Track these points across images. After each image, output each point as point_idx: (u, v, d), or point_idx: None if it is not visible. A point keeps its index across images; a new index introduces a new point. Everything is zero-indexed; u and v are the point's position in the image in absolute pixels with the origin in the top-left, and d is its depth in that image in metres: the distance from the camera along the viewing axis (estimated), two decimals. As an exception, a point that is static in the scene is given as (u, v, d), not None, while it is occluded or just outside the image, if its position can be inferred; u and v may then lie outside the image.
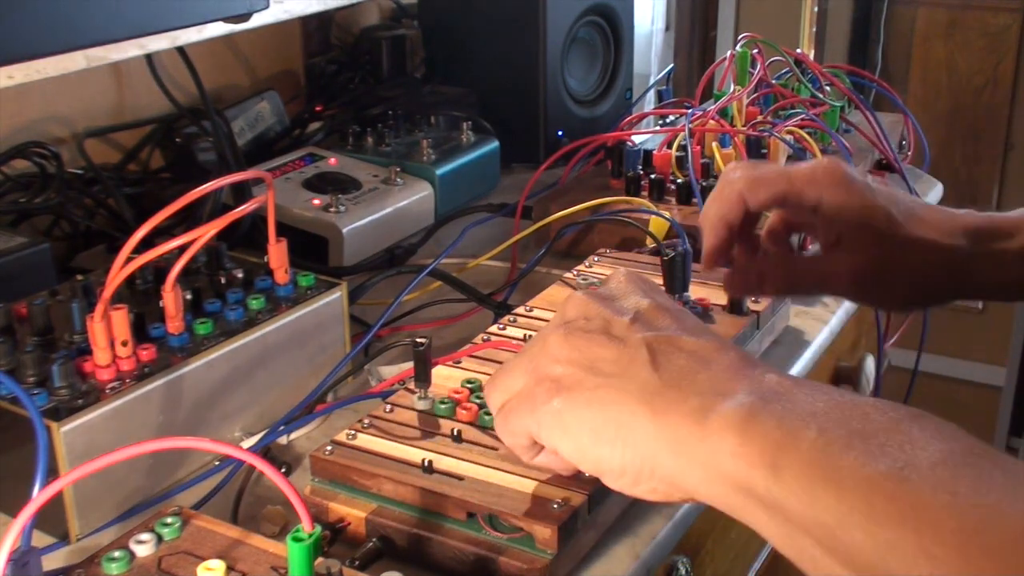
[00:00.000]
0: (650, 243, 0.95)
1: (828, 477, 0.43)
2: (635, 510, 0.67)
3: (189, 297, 0.75)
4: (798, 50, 1.43)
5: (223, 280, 0.79)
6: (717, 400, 0.48)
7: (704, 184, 1.04)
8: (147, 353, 0.69)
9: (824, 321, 0.93)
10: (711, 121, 1.10)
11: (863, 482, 0.42)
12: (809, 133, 1.10)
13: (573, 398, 0.52)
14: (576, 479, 0.60)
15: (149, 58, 1.13)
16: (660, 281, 0.83)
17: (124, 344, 0.67)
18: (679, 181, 1.06)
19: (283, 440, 0.75)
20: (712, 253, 0.71)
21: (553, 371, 0.53)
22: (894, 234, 0.69)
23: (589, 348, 0.53)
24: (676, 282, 0.82)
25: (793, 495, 0.44)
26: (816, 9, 1.78)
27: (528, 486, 0.60)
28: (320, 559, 0.52)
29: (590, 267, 0.90)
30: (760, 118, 1.14)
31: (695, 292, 0.83)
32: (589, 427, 0.51)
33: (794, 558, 0.45)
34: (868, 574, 0.42)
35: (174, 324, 0.71)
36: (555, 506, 0.59)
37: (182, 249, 0.66)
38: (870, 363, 1.16)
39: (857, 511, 0.42)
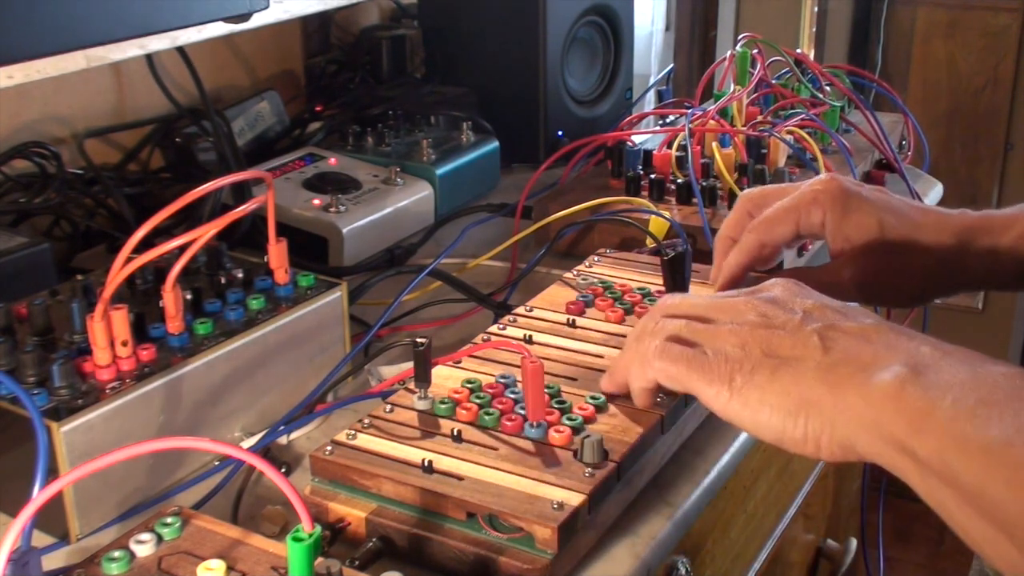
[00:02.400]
0: (650, 243, 0.95)
1: (957, 444, 0.50)
2: (635, 510, 0.67)
3: (189, 297, 0.75)
4: (798, 50, 1.43)
5: (223, 280, 0.79)
6: (877, 372, 0.55)
7: (704, 184, 1.04)
8: (147, 353, 0.69)
9: (824, 321, 0.93)
10: (711, 121, 1.10)
11: (981, 448, 0.50)
12: (809, 133, 1.10)
13: (754, 377, 0.58)
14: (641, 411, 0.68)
15: (149, 58, 1.14)
16: (660, 281, 0.84)
17: (124, 344, 0.67)
18: (679, 181, 1.06)
19: (283, 440, 0.75)
20: (729, 275, 0.81)
21: (734, 352, 0.60)
22: (891, 239, 0.77)
23: (767, 338, 0.60)
24: (676, 282, 0.82)
25: (933, 457, 0.51)
26: (816, 9, 1.78)
27: (528, 486, 0.61)
28: (320, 559, 0.52)
29: (590, 267, 0.90)
30: (760, 118, 1.14)
31: (695, 292, 0.83)
32: (772, 402, 0.58)
33: (935, 507, 0.52)
34: (1008, 529, 0.49)
35: (174, 324, 0.71)
36: (555, 506, 0.59)
37: (182, 249, 0.66)
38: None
39: (977, 473, 0.49)
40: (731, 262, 0.81)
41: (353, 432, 0.66)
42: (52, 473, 0.60)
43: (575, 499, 0.59)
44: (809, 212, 0.78)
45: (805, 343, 0.58)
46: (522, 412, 0.66)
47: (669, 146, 1.10)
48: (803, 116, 1.14)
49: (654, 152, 1.11)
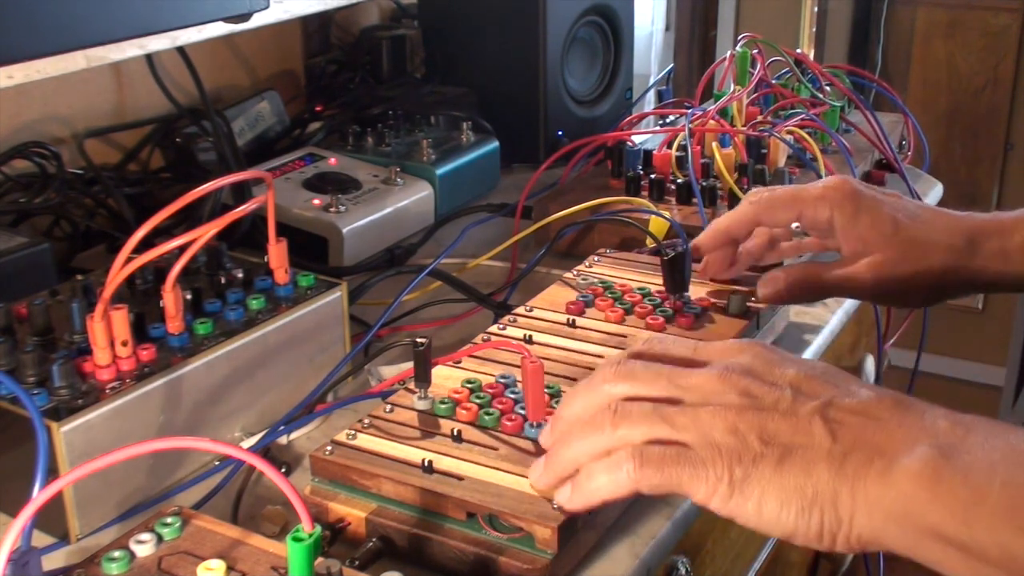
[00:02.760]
0: (650, 243, 0.95)
1: (1017, 526, 0.47)
2: (635, 510, 0.67)
3: (189, 297, 0.75)
4: (798, 50, 1.43)
5: (223, 280, 0.79)
6: (899, 456, 0.50)
7: (704, 184, 1.04)
8: (147, 353, 0.69)
9: (824, 321, 0.93)
10: (711, 121, 1.10)
11: None
12: (809, 133, 1.10)
13: (757, 470, 0.52)
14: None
15: (149, 58, 1.14)
16: (660, 281, 0.84)
17: (124, 344, 0.67)
18: (679, 181, 1.06)
19: (283, 440, 0.75)
20: (699, 249, 0.82)
21: (727, 441, 0.53)
22: (903, 239, 0.77)
23: (761, 423, 0.53)
24: (676, 282, 0.82)
25: (987, 542, 0.47)
26: (816, 9, 1.79)
27: (528, 486, 0.60)
28: (320, 559, 0.52)
29: (590, 267, 0.90)
30: (760, 118, 1.14)
31: (695, 292, 0.83)
32: (781, 498, 0.52)
33: None
34: None
35: (174, 324, 0.71)
36: (555, 506, 0.59)
37: (182, 249, 0.66)
38: (870, 363, 1.16)
39: None
40: (720, 225, 0.81)
41: (353, 432, 0.66)
42: (52, 473, 0.60)
43: (575, 499, 0.59)
44: (815, 206, 0.78)
45: (808, 429, 0.53)
46: (522, 412, 0.66)
47: (669, 146, 1.10)
48: (803, 116, 1.14)
49: (654, 152, 1.11)
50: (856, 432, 0.52)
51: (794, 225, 0.81)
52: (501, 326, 0.80)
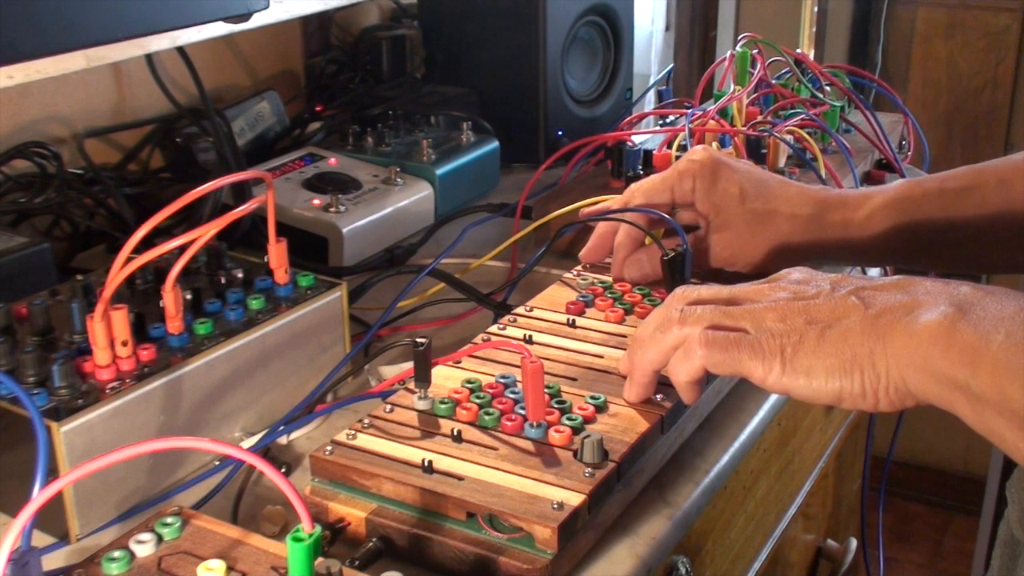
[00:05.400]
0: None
1: (1013, 374, 0.52)
2: (635, 510, 0.67)
3: (189, 297, 0.75)
4: (798, 50, 1.43)
5: (223, 280, 0.79)
6: (922, 314, 0.57)
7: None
8: (147, 353, 0.69)
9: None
10: (711, 121, 1.10)
11: None
12: (809, 133, 1.10)
13: (803, 345, 0.60)
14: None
15: (149, 58, 1.14)
16: (660, 281, 0.83)
17: (124, 344, 0.67)
18: (679, 181, 1.06)
19: (283, 440, 0.75)
20: (589, 253, 0.88)
21: (778, 327, 0.61)
22: (748, 209, 0.83)
23: (805, 308, 0.61)
24: (676, 282, 0.82)
25: (990, 390, 0.53)
26: (816, 9, 1.78)
27: (528, 486, 0.61)
28: (320, 559, 0.52)
29: (590, 267, 0.90)
30: (760, 118, 1.14)
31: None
32: (825, 364, 0.59)
33: (988, 436, 0.55)
34: None
35: (174, 324, 0.71)
36: (555, 506, 0.59)
37: (182, 249, 0.66)
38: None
39: None
40: (601, 230, 0.87)
41: (353, 432, 0.66)
42: (52, 473, 0.60)
43: (575, 499, 0.59)
44: (682, 181, 0.84)
45: (844, 305, 0.60)
46: (522, 412, 0.66)
47: (669, 146, 1.10)
48: (803, 116, 1.14)
49: (654, 152, 1.11)
50: (886, 299, 0.59)
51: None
52: (501, 326, 0.80)
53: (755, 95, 1.18)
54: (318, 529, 0.50)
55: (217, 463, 0.72)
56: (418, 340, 0.68)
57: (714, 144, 1.07)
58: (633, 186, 0.87)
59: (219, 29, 0.96)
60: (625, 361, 0.70)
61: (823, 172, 1.06)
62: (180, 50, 1.10)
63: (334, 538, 0.62)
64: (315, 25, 1.46)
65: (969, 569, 2.23)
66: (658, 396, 0.69)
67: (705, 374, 0.64)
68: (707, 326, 0.63)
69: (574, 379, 0.72)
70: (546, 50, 1.33)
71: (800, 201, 0.84)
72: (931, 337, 0.56)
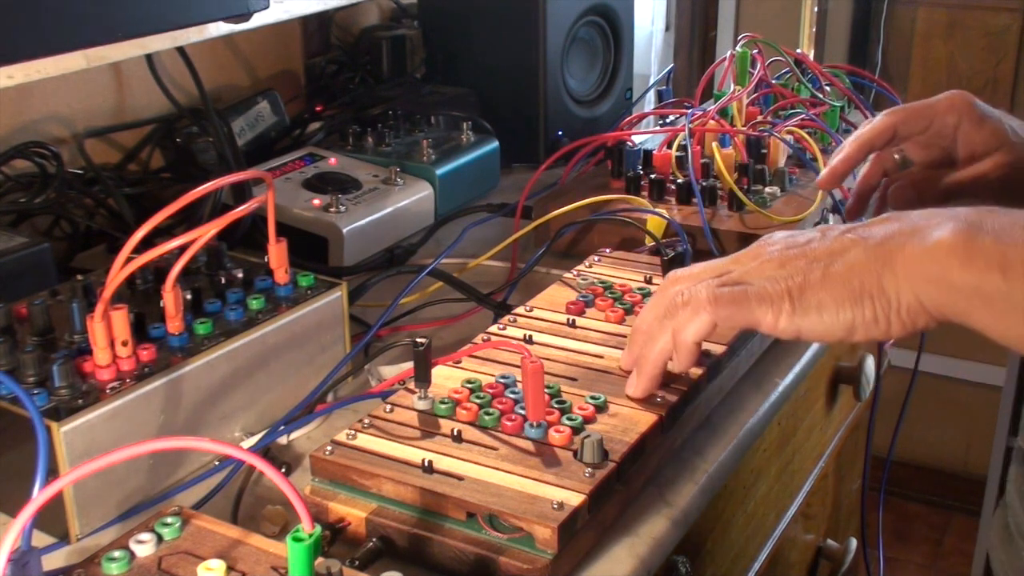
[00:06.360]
0: (650, 243, 0.95)
1: None
2: (635, 510, 0.67)
3: (189, 297, 0.75)
4: (798, 50, 1.43)
5: (223, 280, 0.79)
6: (931, 231, 0.57)
7: (704, 184, 1.04)
8: (147, 353, 0.69)
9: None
10: (711, 121, 1.10)
11: None
12: (809, 133, 1.10)
13: (809, 281, 0.61)
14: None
15: (149, 58, 1.14)
16: (660, 281, 0.83)
17: (124, 344, 0.67)
18: (679, 181, 1.06)
19: (283, 440, 0.75)
20: (838, 170, 0.89)
21: (780, 273, 0.62)
22: (1018, 146, 0.85)
23: (803, 252, 0.62)
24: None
25: (1021, 287, 0.54)
26: (816, 9, 1.78)
27: (528, 486, 0.61)
28: (320, 559, 0.52)
29: (590, 267, 0.90)
30: (760, 118, 1.14)
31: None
32: (834, 296, 0.60)
33: (1010, 341, 0.56)
34: None
35: (174, 324, 0.71)
36: (555, 506, 0.59)
37: (182, 249, 0.66)
38: (870, 363, 1.16)
39: None
40: (864, 136, 0.87)
41: (353, 432, 0.66)
42: (52, 473, 0.60)
43: (575, 499, 0.59)
44: (945, 116, 0.85)
45: (841, 242, 0.61)
46: (522, 412, 0.66)
47: (669, 146, 1.10)
48: (803, 116, 1.14)
49: (654, 152, 1.11)
50: (884, 230, 0.60)
51: (896, 156, 0.90)
52: (501, 326, 0.80)
53: (755, 95, 1.19)
54: (318, 529, 0.50)
55: (217, 463, 0.72)
56: (418, 340, 0.69)
57: (714, 144, 1.07)
58: (892, 109, 0.88)
59: (219, 29, 0.96)
60: (628, 356, 0.70)
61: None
62: (180, 50, 1.10)
63: (334, 538, 0.62)
64: (315, 25, 1.46)
65: (969, 569, 2.23)
66: (658, 396, 0.69)
67: (713, 330, 0.65)
68: (713, 286, 0.64)
69: (574, 379, 0.72)
70: (546, 50, 1.33)
71: None
72: (948, 250, 0.56)
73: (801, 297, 0.61)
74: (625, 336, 0.77)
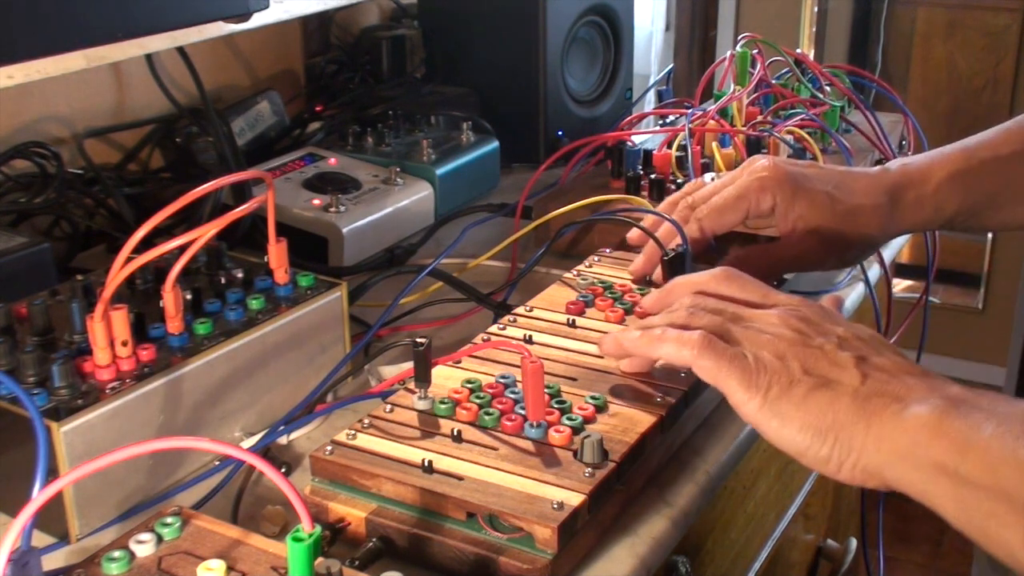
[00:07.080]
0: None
1: (1006, 457, 0.53)
2: (635, 510, 0.67)
3: (189, 297, 0.75)
4: (798, 50, 1.43)
5: (223, 280, 0.79)
6: (913, 404, 0.58)
7: (704, 184, 1.03)
8: (147, 353, 0.69)
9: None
10: (711, 121, 1.10)
11: None
12: (809, 133, 1.10)
13: (791, 392, 0.61)
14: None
15: (149, 58, 1.14)
16: (660, 281, 0.83)
17: (124, 344, 0.67)
18: (679, 181, 1.06)
19: (283, 440, 0.75)
20: (638, 272, 0.86)
21: (773, 363, 0.62)
22: (839, 211, 0.84)
23: (807, 356, 0.62)
24: (676, 282, 0.82)
25: (980, 472, 0.54)
26: (816, 9, 1.78)
27: (528, 486, 0.61)
28: (320, 559, 0.52)
29: (590, 267, 0.90)
30: (760, 118, 1.14)
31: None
32: (803, 419, 0.60)
33: (966, 527, 0.55)
34: None
35: (174, 324, 0.71)
36: (555, 506, 0.59)
37: (182, 249, 0.66)
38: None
39: None
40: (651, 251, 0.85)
41: (353, 432, 0.66)
42: (52, 473, 0.60)
43: (575, 499, 0.59)
44: (759, 199, 0.84)
45: (843, 368, 0.61)
46: (522, 412, 0.66)
47: (669, 146, 1.10)
48: (803, 116, 1.14)
49: (654, 152, 1.11)
50: (883, 381, 0.60)
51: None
52: (501, 326, 0.80)
53: (755, 95, 1.18)
54: (318, 529, 0.50)
55: (217, 463, 0.72)
56: (418, 340, 0.69)
57: (714, 144, 1.07)
58: (699, 202, 0.87)
59: (219, 29, 0.96)
60: (632, 341, 0.69)
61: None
62: (180, 50, 1.10)
63: (334, 538, 0.62)
64: (315, 25, 1.46)
65: (969, 569, 2.23)
66: (658, 397, 0.69)
67: (687, 370, 0.66)
68: (709, 330, 0.65)
69: (574, 379, 0.72)
70: (546, 50, 1.33)
71: (876, 190, 0.85)
72: (919, 425, 0.56)
73: (775, 401, 0.60)
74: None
